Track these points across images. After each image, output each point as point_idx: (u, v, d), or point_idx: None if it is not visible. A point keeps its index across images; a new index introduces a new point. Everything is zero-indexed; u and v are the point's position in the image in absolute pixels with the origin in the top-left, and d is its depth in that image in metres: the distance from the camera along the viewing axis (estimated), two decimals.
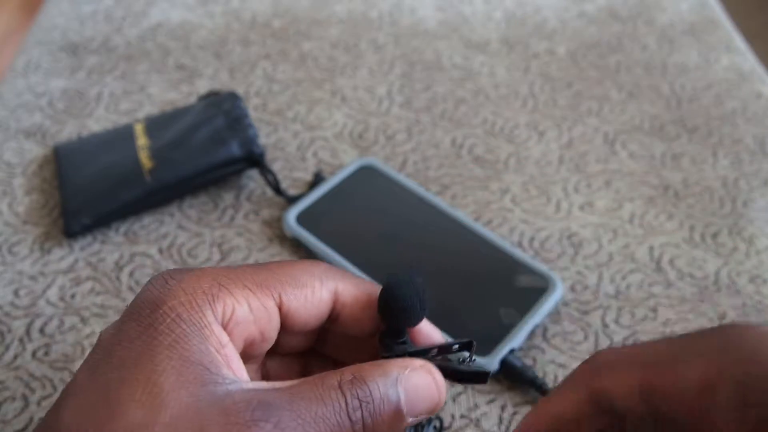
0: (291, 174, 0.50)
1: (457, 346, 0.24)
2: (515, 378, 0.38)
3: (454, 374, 0.24)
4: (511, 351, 0.38)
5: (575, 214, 0.48)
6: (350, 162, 0.48)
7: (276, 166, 0.50)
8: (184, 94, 0.56)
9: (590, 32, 0.64)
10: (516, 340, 0.39)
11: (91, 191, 0.46)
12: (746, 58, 0.61)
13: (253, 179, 0.49)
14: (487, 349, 0.38)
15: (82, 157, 0.48)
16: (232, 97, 0.51)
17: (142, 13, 0.65)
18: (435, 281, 0.42)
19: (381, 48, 0.61)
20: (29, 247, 0.45)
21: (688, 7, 0.67)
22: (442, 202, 0.46)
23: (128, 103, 0.55)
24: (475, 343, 0.24)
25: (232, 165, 0.47)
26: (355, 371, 0.22)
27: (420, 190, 0.47)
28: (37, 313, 0.41)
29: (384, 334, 0.25)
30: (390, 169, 0.48)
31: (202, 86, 0.57)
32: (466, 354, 0.24)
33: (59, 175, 0.48)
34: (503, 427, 0.37)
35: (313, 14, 0.65)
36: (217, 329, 0.22)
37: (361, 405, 0.21)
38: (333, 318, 0.25)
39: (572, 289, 0.43)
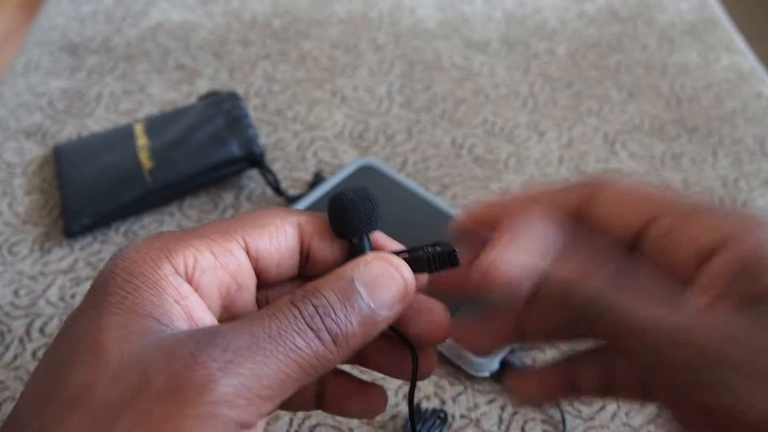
0: (291, 174, 0.50)
1: (427, 247, 0.23)
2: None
3: (420, 264, 0.23)
4: (512, 351, 0.38)
5: None
6: (350, 162, 0.48)
7: (276, 166, 0.50)
8: (184, 94, 0.56)
9: (590, 32, 0.64)
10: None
11: (91, 191, 0.46)
12: (746, 58, 0.61)
13: (253, 179, 0.49)
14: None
15: (82, 157, 0.48)
16: (232, 97, 0.51)
17: (142, 13, 0.65)
18: None
19: (381, 48, 0.61)
20: (29, 247, 0.45)
21: (688, 7, 0.67)
22: (441, 202, 0.46)
23: (128, 103, 0.55)
24: (446, 240, 0.23)
25: (232, 165, 0.47)
26: (307, 286, 0.21)
27: (420, 190, 0.47)
28: (37, 313, 0.41)
29: (350, 253, 0.24)
30: (390, 169, 0.48)
31: (202, 86, 0.57)
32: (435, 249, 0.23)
33: (59, 175, 0.48)
34: (503, 427, 0.37)
35: (313, 14, 0.65)
36: (176, 281, 0.21)
37: (318, 311, 0.20)
38: (304, 256, 0.24)
39: None
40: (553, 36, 0.63)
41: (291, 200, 0.46)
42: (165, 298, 0.20)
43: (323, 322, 0.20)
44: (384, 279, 0.21)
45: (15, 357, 0.39)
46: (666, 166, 0.51)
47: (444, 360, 0.39)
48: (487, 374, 0.38)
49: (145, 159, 0.47)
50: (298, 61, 0.60)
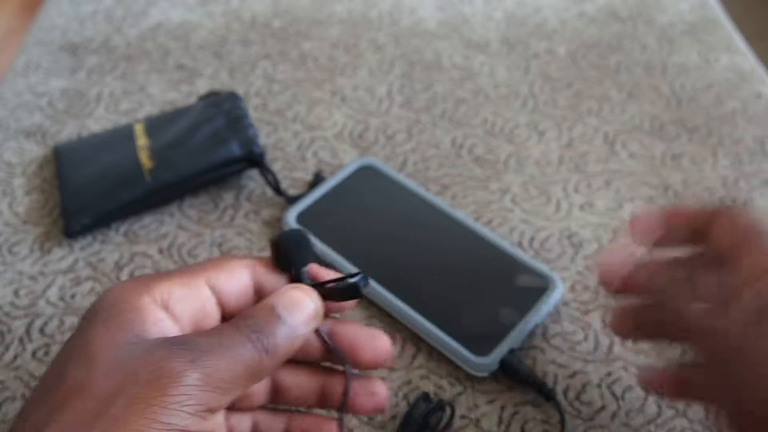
0: (291, 174, 0.50)
1: (348, 278, 0.28)
2: (515, 378, 0.38)
3: (331, 294, 0.28)
4: (511, 351, 0.38)
5: (575, 214, 0.48)
6: (350, 162, 0.48)
7: (276, 166, 0.50)
8: (184, 94, 0.56)
9: (590, 32, 0.64)
10: (516, 340, 0.39)
11: (91, 191, 0.46)
12: (746, 58, 0.61)
13: (253, 179, 0.49)
14: (486, 349, 0.38)
15: (82, 157, 0.48)
16: (232, 97, 0.51)
17: (142, 13, 0.65)
18: (435, 281, 0.42)
19: (381, 48, 0.61)
20: (29, 247, 0.45)
21: (688, 7, 0.67)
22: (441, 202, 0.46)
23: (128, 103, 0.55)
24: (362, 273, 0.28)
25: (232, 165, 0.47)
26: (243, 312, 0.27)
27: (420, 190, 0.47)
28: (37, 313, 0.41)
29: (289, 283, 0.29)
30: (390, 169, 0.48)
31: (202, 86, 0.57)
32: (353, 280, 0.28)
33: (59, 175, 0.48)
34: (503, 427, 0.37)
35: (313, 14, 0.65)
36: (153, 308, 0.26)
37: (252, 329, 0.26)
38: (258, 290, 0.29)
39: (572, 289, 0.43)
40: (553, 36, 0.63)
41: (291, 200, 0.46)
42: (145, 319, 0.25)
43: (258, 336, 0.26)
44: (298, 304, 0.27)
45: (15, 357, 0.39)
46: (666, 166, 0.51)
47: (444, 360, 0.39)
48: (486, 374, 0.38)
49: (145, 159, 0.47)
50: (298, 61, 0.60)
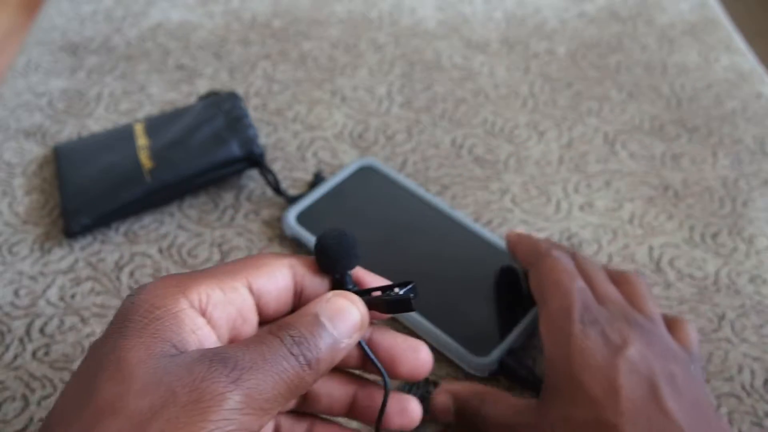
0: (291, 174, 0.50)
1: (397, 288, 0.27)
2: (514, 378, 0.38)
3: (378, 305, 0.27)
4: (511, 351, 0.38)
5: (575, 214, 0.48)
6: (350, 162, 0.48)
7: (276, 166, 0.50)
8: (184, 94, 0.56)
9: (590, 32, 0.64)
10: (515, 340, 0.39)
11: (91, 191, 0.46)
12: (746, 58, 0.61)
13: (253, 179, 0.49)
14: (486, 349, 0.38)
15: (82, 157, 0.48)
16: (232, 97, 0.51)
17: (142, 13, 0.65)
18: (435, 281, 0.42)
19: (381, 48, 0.61)
20: (29, 247, 0.45)
21: (688, 7, 0.67)
22: (441, 203, 0.46)
23: (128, 103, 0.55)
24: (413, 283, 0.27)
25: (232, 165, 0.47)
26: (281, 321, 0.25)
27: (420, 191, 0.47)
28: (37, 313, 0.41)
29: (334, 288, 0.28)
30: (390, 170, 0.48)
31: (202, 86, 0.57)
32: (400, 290, 0.27)
33: (59, 175, 0.48)
34: None
35: (313, 14, 0.65)
36: (192, 313, 0.24)
37: (295, 341, 0.24)
38: (298, 293, 0.28)
39: None
40: (553, 36, 0.63)
41: (291, 200, 0.46)
42: (183, 328, 0.24)
43: (300, 349, 0.24)
44: (343, 313, 0.25)
45: (15, 357, 0.39)
46: (666, 166, 0.51)
47: (443, 360, 0.39)
48: (486, 374, 0.38)
49: (145, 159, 0.47)
50: (298, 61, 0.60)
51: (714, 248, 0.46)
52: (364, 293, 0.27)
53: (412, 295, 0.26)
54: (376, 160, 0.49)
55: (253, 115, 0.54)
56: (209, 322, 0.25)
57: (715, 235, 0.46)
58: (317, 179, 0.48)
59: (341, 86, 0.57)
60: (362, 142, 0.52)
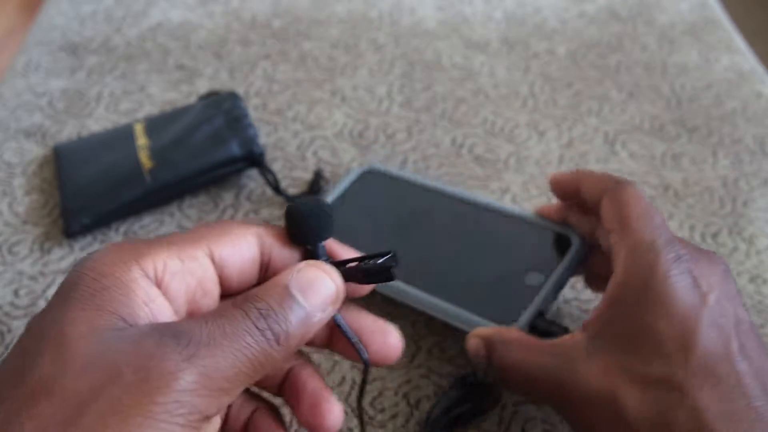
0: (291, 174, 0.50)
1: (374, 258, 0.25)
2: (549, 336, 0.36)
3: (355, 275, 0.25)
4: (540, 314, 0.37)
5: None
6: (351, 169, 0.47)
7: (276, 166, 0.50)
8: (184, 94, 0.56)
9: (590, 32, 0.64)
10: (545, 301, 0.37)
11: (91, 191, 0.46)
12: (746, 58, 0.61)
13: (253, 179, 0.49)
14: (513, 315, 0.36)
15: (82, 157, 0.48)
16: (232, 97, 0.51)
17: (142, 13, 0.65)
18: (456, 261, 0.40)
19: (381, 48, 0.61)
20: (29, 247, 0.45)
21: (688, 7, 0.67)
22: (448, 186, 0.45)
23: (128, 103, 0.55)
24: (393, 252, 0.24)
25: (232, 165, 0.47)
26: (248, 293, 0.23)
27: (426, 181, 0.45)
28: (37, 313, 0.41)
29: (303, 259, 0.26)
30: (392, 168, 0.47)
31: (202, 86, 0.57)
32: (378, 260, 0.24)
33: (59, 175, 0.48)
34: (503, 427, 0.37)
35: (313, 14, 0.65)
36: (145, 283, 0.22)
37: (261, 314, 0.22)
38: (264, 266, 0.25)
39: (573, 287, 0.43)
40: (553, 36, 0.63)
41: (291, 200, 0.46)
42: (133, 299, 0.21)
43: (267, 323, 0.22)
44: (316, 284, 0.23)
45: None
46: (666, 166, 0.51)
47: (444, 359, 0.39)
48: None
49: (145, 159, 0.47)
50: (298, 61, 0.60)
51: (714, 248, 0.46)
52: (339, 265, 0.25)
53: (393, 264, 0.24)
54: (377, 163, 0.48)
55: (253, 115, 0.54)
56: (165, 293, 0.22)
57: (715, 235, 0.46)
58: (317, 178, 0.48)
59: (341, 86, 0.57)
60: (362, 141, 0.52)
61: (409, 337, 0.40)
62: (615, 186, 0.34)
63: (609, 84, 0.58)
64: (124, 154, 0.47)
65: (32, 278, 0.43)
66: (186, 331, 0.21)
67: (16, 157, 0.51)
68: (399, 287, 0.39)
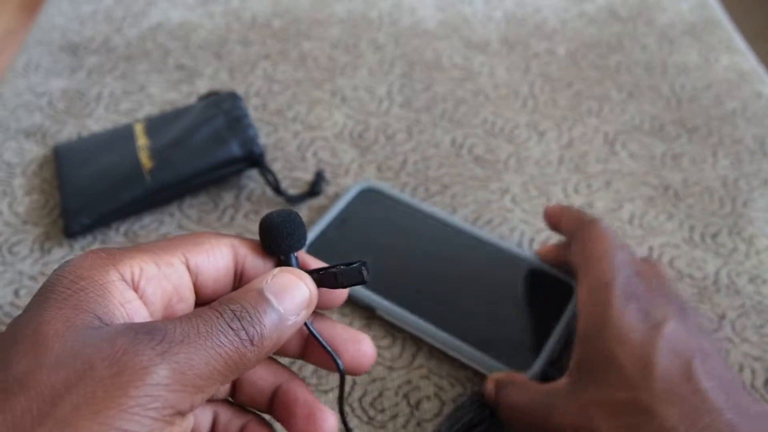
0: (291, 174, 0.50)
1: (344, 266, 0.26)
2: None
3: (327, 279, 0.26)
4: (551, 363, 0.38)
5: None
6: (350, 186, 0.47)
7: (276, 166, 0.50)
8: (184, 94, 0.56)
9: (590, 32, 0.64)
10: (554, 348, 0.38)
11: (91, 191, 0.46)
12: (746, 58, 0.61)
13: (253, 179, 0.49)
14: (527, 362, 0.37)
15: (82, 157, 0.48)
16: (232, 97, 0.51)
17: (142, 13, 0.65)
18: (463, 299, 0.40)
19: (381, 48, 0.61)
20: (29, 247, 0.45)
21: (688, 7, 0.67)
22: (449, 216, 0.45)
23: (128, 103, 0.55)
24: (362, 264, 0.25)
25: (232, 165, 0.47)
26: (223, 297, 0.24)
27: (424, 206, 0.45)
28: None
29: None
30: (390, 188, 0.47)
31: (202, 86, 0.57)
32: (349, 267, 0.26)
33: (59, 175, 0.48)
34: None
35: (313, 14, 0.65)
36: (122, 286, 0.22)
37: (236, 315, 0.22)
38: (238, 275, 0.26)
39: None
40: (553, 36, 0.63)
41: (291, 200, 0.46)
42: (110, 300, 0.22)
43: (241, 324, 0.22)
44: (290, 288, 0.24)
45: None
46: (666, 166, 0.51)
47: (444, 359, 0.39)
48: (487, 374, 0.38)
49: (145, 159, 0.47)
50: (298, 61, 0.60)
51: (714, 248, 0.46)
52: (312, 273, 0.26)
53: (363, 267, 0.25)
54: (375, 182, 0.47)
55: (253, 115, 0.54)
56: (141, 297, 0.23)
57: (715, 235, 0.46)
58: (318, 179, 0.48)
59: (341, 86, 0.57)
60: (362, 141, 0.52)
61: (410, 338, 0.40)
62: (584, 225, 0.36)
63: (609, 84, 0.58)
64: (124, 154, 0.47)
65: (32, 278, 0.43)
66: (160, 328, 0.21)
67: (16, 157, 0.51)
68: (407, 317, 0.39)
